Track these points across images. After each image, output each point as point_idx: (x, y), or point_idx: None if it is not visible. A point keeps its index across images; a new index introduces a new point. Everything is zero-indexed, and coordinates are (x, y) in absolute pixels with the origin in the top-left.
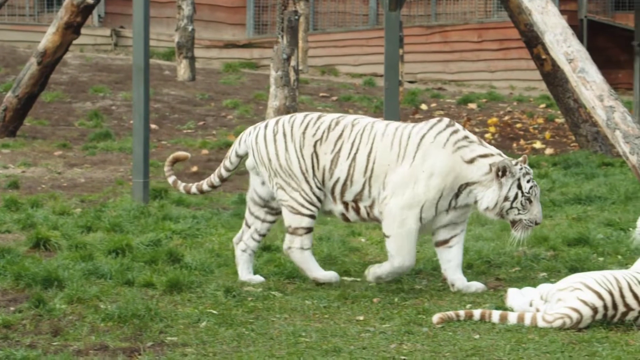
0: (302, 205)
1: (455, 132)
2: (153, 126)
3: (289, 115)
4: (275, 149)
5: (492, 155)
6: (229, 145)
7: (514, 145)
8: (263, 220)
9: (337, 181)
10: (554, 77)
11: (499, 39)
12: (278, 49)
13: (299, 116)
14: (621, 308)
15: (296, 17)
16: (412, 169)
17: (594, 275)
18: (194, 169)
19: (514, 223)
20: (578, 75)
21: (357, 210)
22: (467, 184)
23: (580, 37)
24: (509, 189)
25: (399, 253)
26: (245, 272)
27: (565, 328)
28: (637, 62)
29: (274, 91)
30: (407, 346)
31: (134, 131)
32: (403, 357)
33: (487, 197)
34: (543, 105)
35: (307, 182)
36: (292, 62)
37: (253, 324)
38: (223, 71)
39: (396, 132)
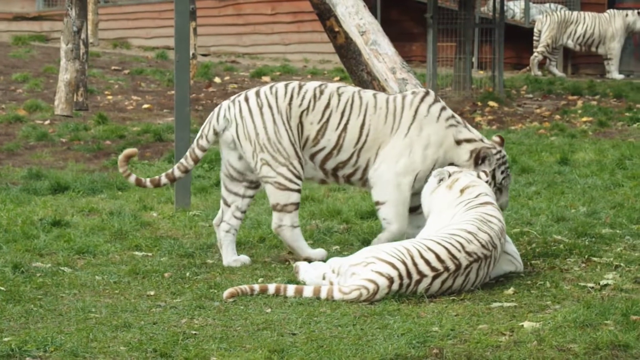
0: (291, 181)
1: (444, 108)
2: None
3: (268, 86)
4: (263, 122)
5: (475, 140)
6: (18, 119)
7: None
8: (243, 196)
9: (321, 150)
10: (347, 49)
11: (293, 11)
12: (68, 21)
13: (280, 86)
14: (415, 276)
15: None
16: (407, 140)
17: (384, 248)
18: None
19: None
20: (370, 48)
21: (335, 177)
22: (453, 165)
23: (373, 10)
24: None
25: (397, 219)
26: (230, 255)
27: (361, 300)
28: (430, 34)
29: (65, 64)
30: (199, 321)
31: None
32: (194, 332)
33: None
34: (337, 78)
35: (297, 154)
36: (82, 35)
37: (42, 300)
38: (12, 44)
39: (388, 104)
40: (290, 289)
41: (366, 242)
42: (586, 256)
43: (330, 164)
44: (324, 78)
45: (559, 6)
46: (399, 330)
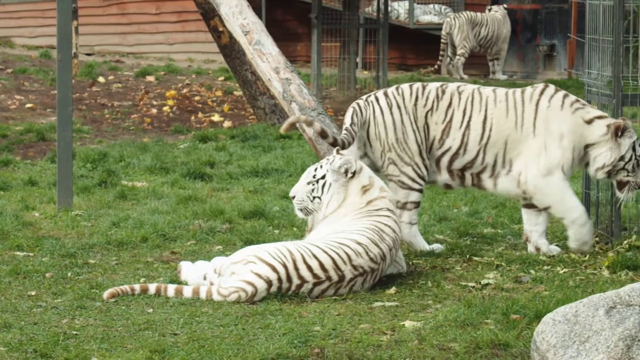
0: (414, 180)
1: (567, 95)
2: None
3: (394, 87)
4: (393, 121)
5: (605, 116)
6: None
7: (193, 118)
8: None
9: (447, 151)
10: (231, 49)
11: (178, 11)
12: None
13: (405, 87)
14: (295, 281)
15: None
16: (537, 138)
17: (267, 248)
18: None
19: (620, 184)
20: (254, 48)
21: (462, 178)
22: (588, 145)
23: (258, 10)
24: (627, 149)
25: (569, 211)
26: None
27: (240, 301)
28: (315, 34)
29: None
30: (80, 321)
31: None
32: (75, 332)
33: (604, 156)
34: (222, 78)
35: (421, 154)
36: None
37: None
38: None
39: (508, 97)
40: (171, 289)
41: (249, 242)
42: (468, 256)
43: (457, 164)
44: (209, 78)
45: (443, 7)
46: (281, 330)
